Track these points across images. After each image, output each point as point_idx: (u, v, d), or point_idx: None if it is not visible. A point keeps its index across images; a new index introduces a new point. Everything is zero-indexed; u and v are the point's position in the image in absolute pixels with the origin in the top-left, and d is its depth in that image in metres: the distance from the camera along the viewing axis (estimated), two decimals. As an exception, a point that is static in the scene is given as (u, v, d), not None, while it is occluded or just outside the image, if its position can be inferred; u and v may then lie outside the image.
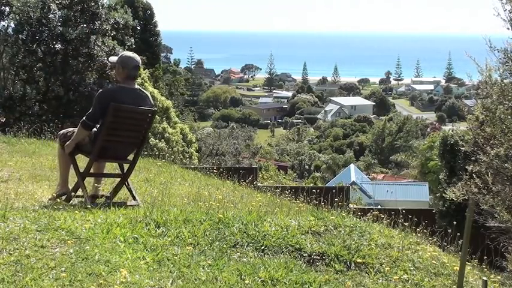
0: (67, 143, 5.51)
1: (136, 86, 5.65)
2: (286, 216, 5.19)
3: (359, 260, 4.44)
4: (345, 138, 77.21)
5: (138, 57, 5.63)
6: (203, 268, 3.90)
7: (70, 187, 5.68)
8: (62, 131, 5.80)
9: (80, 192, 5.64)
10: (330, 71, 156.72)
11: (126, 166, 5.80)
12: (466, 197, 6.83)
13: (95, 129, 5.50)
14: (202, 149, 35.87)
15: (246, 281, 3.81)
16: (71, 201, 5.58)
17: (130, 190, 5.74)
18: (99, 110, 5.40)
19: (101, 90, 5.64)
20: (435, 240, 5.84)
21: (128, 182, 5.77)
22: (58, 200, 5.56)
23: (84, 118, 5.44)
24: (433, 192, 32.00)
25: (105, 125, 5.38)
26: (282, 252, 4.45)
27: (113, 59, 5.74)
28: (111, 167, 6.92)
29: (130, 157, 5.81)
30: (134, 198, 5.68)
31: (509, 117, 6.54)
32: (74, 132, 5.55)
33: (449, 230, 5.87)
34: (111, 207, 4.98)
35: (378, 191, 32.54)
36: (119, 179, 5.89)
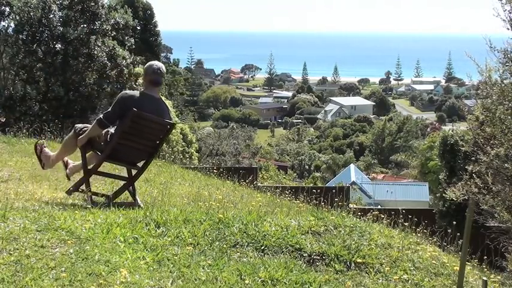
0: (80, 137, 5.55)
1: (159, 96, 5.64)
2: (286, 216, 5.19)
3: (359, 260, 4.45)
4: (345, 138, 77.19)
5: (159, 63, 5.64)
6: (203, 268, 3.90)
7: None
8: (79, 125, 5.85)
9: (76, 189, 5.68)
10: (330, 71, 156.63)
11: (133, 171, 5.81)
12: (466, 197, 6.83)
13: (112, 130, 5.50)
14: (202, 149, 35.86)
15: (246, 281, 3.81)
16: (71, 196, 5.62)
17: (133, 193, 5.74)
18: (118, 111, 5.40)
19: (124, 92, 5.66)
20: (435, 240, 5.85)
21: (132, 185, 5.79)
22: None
23: (101, 116, 5.47)
24: (433, 192, 32.01)
25: (122, 129, 5.39)
26: (282, 252, 4.45)
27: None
28: (110, 167, 6.92)
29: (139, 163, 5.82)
30: (135, 200, 5.69)
31: (509, 117, 6.54)
32: (87, 128, 5.61)
33: (449, 230, 5.87)
34: (111, 207, 4.99)
35: (378, 191, 32.54)
36: (121, 181, 5.91)
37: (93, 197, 5.58)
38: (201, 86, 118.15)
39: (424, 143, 44.87)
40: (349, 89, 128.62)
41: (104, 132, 5.53)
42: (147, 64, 5.65)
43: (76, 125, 5.86)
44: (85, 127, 5.70)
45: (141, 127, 5.44)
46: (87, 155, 5.65)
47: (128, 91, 5.64)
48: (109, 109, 5.52)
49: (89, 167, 5.58)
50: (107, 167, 6.72)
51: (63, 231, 4.18)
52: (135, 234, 4.30)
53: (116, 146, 5.44)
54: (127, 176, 5.85)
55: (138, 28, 29.12)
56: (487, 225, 7.68)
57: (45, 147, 5.98)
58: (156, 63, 5.61)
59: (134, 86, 23.61)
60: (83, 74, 17.06)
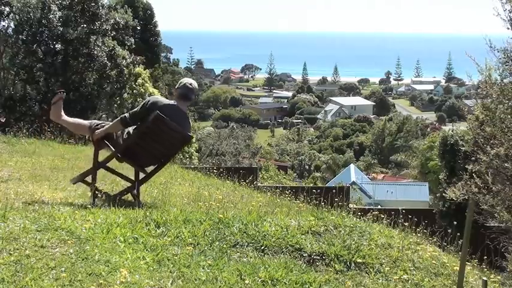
0: (98, 130, 5.60)
1: (186, 111, 5.68)
2: (286, 216, 5.19)
3: (359, 260, 4.45)
4: (345, 138, 77.17)
5: (191, 80, 5.74)
6: (203, 268, 3.90)
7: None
8: (95, 121, 5.92)
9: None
10: (330, 71, 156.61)
11: (140, 175, 5.81)
12: (466, 197, 6.82)
13: (130, 129, 5.55)
14: (202, 149, 35.87)
15: (246, 281, 3.81)
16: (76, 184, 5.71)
17: (136, 195, 5.74)
18: (144, 113, 5.43)
19: (154, 96, 5.77)
20: (435, 240, 5.84)
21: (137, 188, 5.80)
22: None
23: (126, 114, 5.53)
24: (433, 192, 32.04)
25: (141, 129, 5.42)
26: (282, 252, 4.45)
27: None
28: (113, 164, 6.90)
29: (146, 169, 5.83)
30: (136, 201, 5.69)
31: (509, 116, 6.54)
32: (106, 124, 5.69)
33: (449, 230, 5.87)
34: (111, 207, 4.99)
35: (378, 191, 32.58)
36: (122, 182, 5.91)
37: (96, 192, 5.55)
38: (201, 86, 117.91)
39: (424, 143, 44.94)
40: (349, 89, 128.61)
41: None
42: (182, 79, 5.82)
43: (92, 120, 5.91)
44: (102, 123, 5.76)
45: (160, 132, 5.43)
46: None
47: (158, 97, 5.71)
48: (135, 109, 5.58)
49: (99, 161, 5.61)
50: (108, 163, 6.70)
51: (63, 231, 4.18)
52: (135, 234, 4.30)
53: (131, 146, 5.46)
54: (133, 178, 5.84)
55: (138, 28, 29.13)
56: (487, 225, 7.67)
57: (62, 100, 5.98)
58: (188, 79, 5.74)
59: (134, 86, 23.63)
60: (83, 74, 17.09)
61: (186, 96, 5.58)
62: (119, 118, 5.58)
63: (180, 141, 5.66)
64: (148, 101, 5.52)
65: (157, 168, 5.74)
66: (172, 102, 5.58)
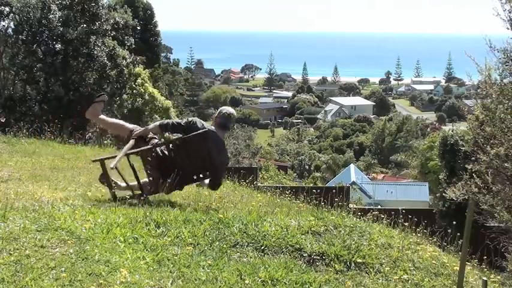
0: (138, 129, 5.88)
1: (223, 139, 5.85)
2: (286, 216, 5.19)
3: (359, 260, 4.45)
4: (345, 138, 77.16)
5: (231, 109, 5.98)
6: (203, 268, 3.90)
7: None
8: (138, 126, 6.18)
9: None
10: (330, 71, 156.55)
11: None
12: (466, 197, 6.83)
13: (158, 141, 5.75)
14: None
15: (246, 281, 3.81)
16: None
17: (142, 200, 5.74)
18: (185, 127, 5.60)
19: (199, 119, 5.87)
20: (435, 240, 5.85)
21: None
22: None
23: (168, 121, 5.82)
24: (433, 192, 32.04)
25: (183, 137, 5.55)
26: (282, 252, 4.45)
27: None
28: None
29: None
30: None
31: (509, 116, 6.54)
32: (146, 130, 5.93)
33: (449, 230, 5.87)
34: (111, 207, 4.99)
35: (378, 191, 32.56)
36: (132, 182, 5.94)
37: (118, 182, 5.62)
38: (201, 86, 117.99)
39: (424, 143, 44.91)
40: (349, 89, 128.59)
41: (150, 137, 5.82)
42: (221, 107, 6.04)
43: (136, 125, 6.16)
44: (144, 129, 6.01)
45: (198, 148, 5.52)
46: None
47: (202, 121, 5.82)
48: (179, 120, 5.81)
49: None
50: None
51: (63, 231, 4.18)
52: (135, 234, 4.30)
53: (166, 145, 5.57)
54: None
55: (138, 28, 29.13)
56: (487, 225, 7.67)
57: (104, 102, 6.37)
58: (228, 108, 5.96)
59: (134, 85, 23.62)
60: (83, 74, 17.08)
61: (224, 126, 5.82)
62: (159, 122, 5.85)
63: (211, 169, 5.65)
64: (194, 119, 5.73)
65: (170, 188, 5.70)
66: (213, 128, 5.71)
